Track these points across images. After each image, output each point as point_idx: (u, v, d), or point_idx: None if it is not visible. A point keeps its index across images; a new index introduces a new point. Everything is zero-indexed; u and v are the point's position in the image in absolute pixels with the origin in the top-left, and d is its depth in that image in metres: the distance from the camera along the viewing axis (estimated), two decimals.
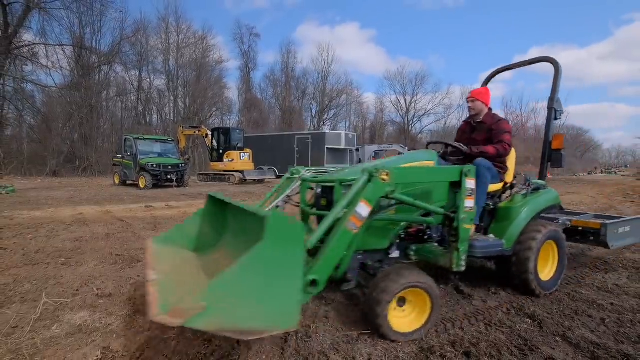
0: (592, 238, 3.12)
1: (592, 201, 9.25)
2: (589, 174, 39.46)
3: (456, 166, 2.33)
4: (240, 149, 15.98)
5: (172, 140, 15.24)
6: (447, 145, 3.01)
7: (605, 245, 3.04)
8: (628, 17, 76.97)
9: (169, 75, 30.28)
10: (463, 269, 2.20)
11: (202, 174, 17.51)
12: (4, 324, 2.07)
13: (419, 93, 49.38)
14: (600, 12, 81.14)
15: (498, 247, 2.58)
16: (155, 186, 12.53)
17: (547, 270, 2.76)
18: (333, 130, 34.85)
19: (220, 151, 15.97)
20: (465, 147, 2.86)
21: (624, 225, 3.24)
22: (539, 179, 3.18)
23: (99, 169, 20.23)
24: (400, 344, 1.93)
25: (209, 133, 16.60)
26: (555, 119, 3.20)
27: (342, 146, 19.95)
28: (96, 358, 1.74)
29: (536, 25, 79.73)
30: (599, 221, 3.15)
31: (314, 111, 44.68)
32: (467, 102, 3.05)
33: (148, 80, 29.86)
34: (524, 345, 1.93)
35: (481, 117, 3.01)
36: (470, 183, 2.24)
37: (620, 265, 3.47)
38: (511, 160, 2.97)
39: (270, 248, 1.42)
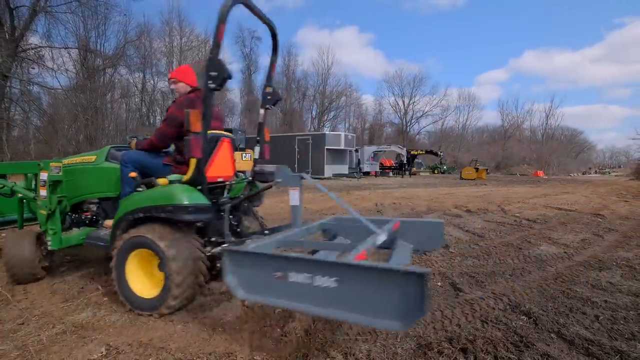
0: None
1: (586, 201, 9.23)
2: (583, 174, 39.30)
3: (35, 161, 2.86)
4: (242, 149, 16.00)
5: None
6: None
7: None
8: (619, 21, 77.78)
9: None
10: (49, 248, 2.67)
11: None
12: (11, 321, 2.12)
13: (417, 95, 50.09)
14: (592, 16, 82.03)
15: (101, 242, 2.51)
16: None
17: (157, 287, 2.20)
18: (333, 131, 34.91)
19: None
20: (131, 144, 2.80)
21: (303, 268, 1.57)
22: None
23: None
24: (398, 340, 1.96)
25: None
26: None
27: (342, 147, 20.02)
28: (100, 354, 1.78)
29: (530, 28, 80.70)
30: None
31: (314, 113, 45.00)
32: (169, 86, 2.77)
33: (152, 82, 30.13)
34: (520, 341, 1.95)
35: None
36: (42, 175, 2.66)
37: (614, 264, 3.47)
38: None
39: None
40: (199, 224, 2.38)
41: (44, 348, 1.83)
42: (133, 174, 2.51)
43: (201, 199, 2.25)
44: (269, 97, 2.83)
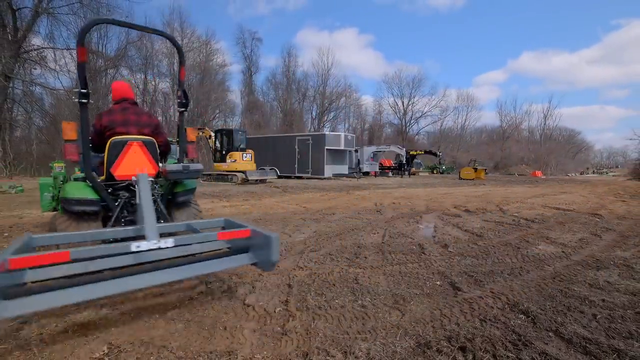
0: None
1: (584, 200, 9.24)
2: (581, 174, 39.42)
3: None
4: (243, 149, 16.04)
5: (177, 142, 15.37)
6: None
7: None
8: (616, 22, 78.10)
9: (174, 78, 30.54)
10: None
11: (205, 174, 17.62)
12: (13, 320, 2.13)
13: (416, 96, 50.38)
14: (589, 18, 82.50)
15: None
16: None
17: None
18: (333, 131, 34.95)
19: (224, 152, 16.06)
20: None
21: None
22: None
23: None
24: (398, 339, 1.98)
25: (213, 134, 16.75)
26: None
27: (342, 147, 20.09)
28: (102, 353, 1.79)
29: (528, 30, 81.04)
30: None
31: (314, 113, 45.19)
32: None
33: (153, 83, 30.21)
34: (518, 340, 1.96)
35: None
36: (52, 172, 3.57)
37: (612, 263, 3.48)
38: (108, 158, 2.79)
39: None
40: (92, 214, 2.72)
41: (46, 347, 1.84)
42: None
43: (88, 194, 2.65)
44: (178, 100, 3.18)
